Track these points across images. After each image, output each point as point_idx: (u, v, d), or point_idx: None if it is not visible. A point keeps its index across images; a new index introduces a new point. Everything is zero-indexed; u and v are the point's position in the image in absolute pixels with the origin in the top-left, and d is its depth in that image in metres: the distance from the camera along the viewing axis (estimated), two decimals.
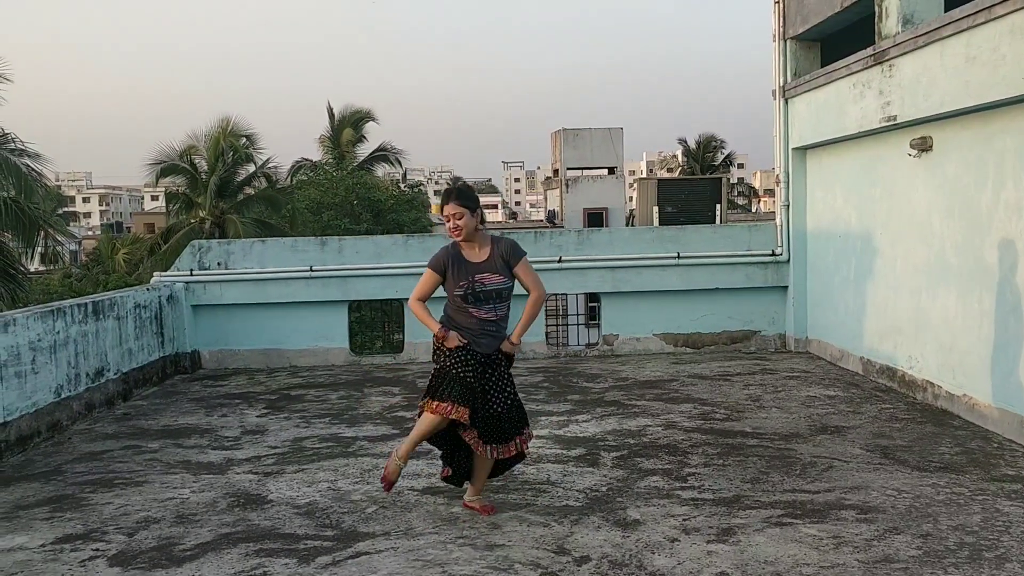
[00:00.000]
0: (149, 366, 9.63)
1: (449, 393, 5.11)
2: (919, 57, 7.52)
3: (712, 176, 45.16)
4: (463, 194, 5.26)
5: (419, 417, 5.28)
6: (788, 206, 10.69)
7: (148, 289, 10.01)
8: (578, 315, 16.58)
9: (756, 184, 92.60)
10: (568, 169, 40.88)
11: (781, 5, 10.52)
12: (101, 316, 8.61)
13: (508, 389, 5.33)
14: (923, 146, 7.79)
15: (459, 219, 5.17)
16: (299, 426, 7.76)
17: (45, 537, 5.21)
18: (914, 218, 8.12)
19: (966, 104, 6.90)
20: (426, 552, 4.79)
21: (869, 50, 8.35)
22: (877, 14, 8.25)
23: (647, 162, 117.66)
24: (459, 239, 5.23)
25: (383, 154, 40.71)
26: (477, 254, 5.23)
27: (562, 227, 34.58)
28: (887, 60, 8.04)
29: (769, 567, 4.48)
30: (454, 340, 5.18)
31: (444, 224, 5.33)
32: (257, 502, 5.71)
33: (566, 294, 12.90)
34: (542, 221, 48.82)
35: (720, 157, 63.95)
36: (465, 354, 5.19)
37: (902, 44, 7.72)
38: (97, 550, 4.97)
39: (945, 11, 7.61)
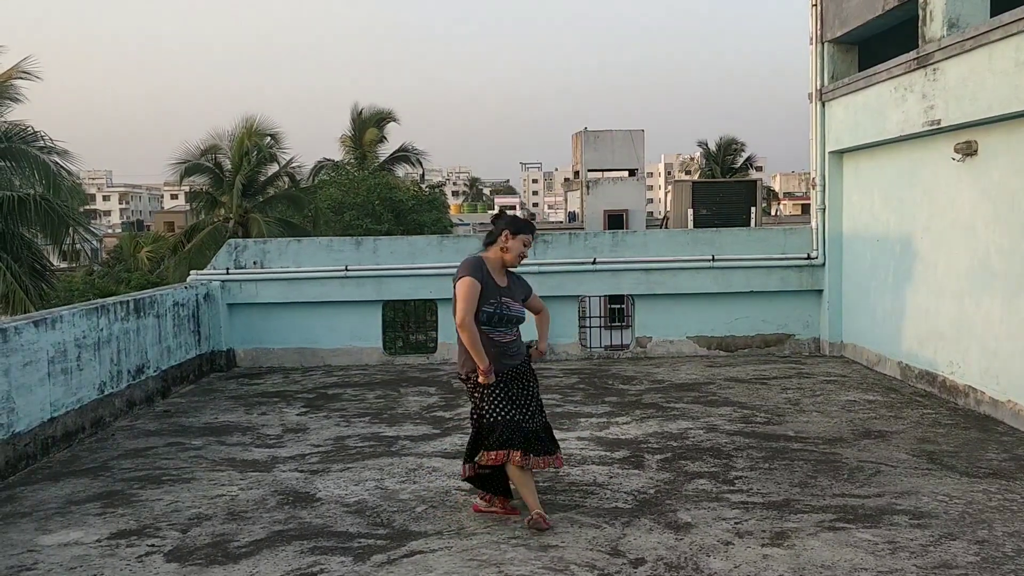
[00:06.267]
0: (186, 364, 9.70)
1: (505, 440, 5.15)
2: (966, 61, 7.47)
3: (747, 179, 44.99)
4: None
5: (469, 475, 5.36)
6: (824, 210, 10.64)
7: (186, 287, 10.08)
8: (600, 317, 16.54)
9: (776, 187, 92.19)
10: (589, 170, 40.87)
11: (819, 8, 10.47)
12: (142, 314, 8.67)
13: (540, 408, 5.43)
14: (968, 150, 7.74)
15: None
16: (339, 425, 7.80)
17: (100, 532, 5.25)
18: (957, 222, 8.07)
19: (1015, 109, 6.85)
20: (480, 552, 4.80)
21: (912, 53, 8.30)
22: (921, 17, 8.20)
23: (665, 164, 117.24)
24: (515, 266, 5.39)
25: (404, 155, 40.74)
26: (502, 278, 5.38)
27: (581, 228, 34.54)
28: (931, 64, 8.00)
29: (827, 571, 4.46)
30: (492, 379, 5.19)
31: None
32: (306, 500, 5.74)
33: (599, 296, 12.86)
34: (562, 222, 48.72)
35: (740, 160, 63.72)
36: (500, 391, 5.22)
37: (948, 48, 7.67)
38: (153, 546, 5.02)
39: (992, 15, 7.57)
